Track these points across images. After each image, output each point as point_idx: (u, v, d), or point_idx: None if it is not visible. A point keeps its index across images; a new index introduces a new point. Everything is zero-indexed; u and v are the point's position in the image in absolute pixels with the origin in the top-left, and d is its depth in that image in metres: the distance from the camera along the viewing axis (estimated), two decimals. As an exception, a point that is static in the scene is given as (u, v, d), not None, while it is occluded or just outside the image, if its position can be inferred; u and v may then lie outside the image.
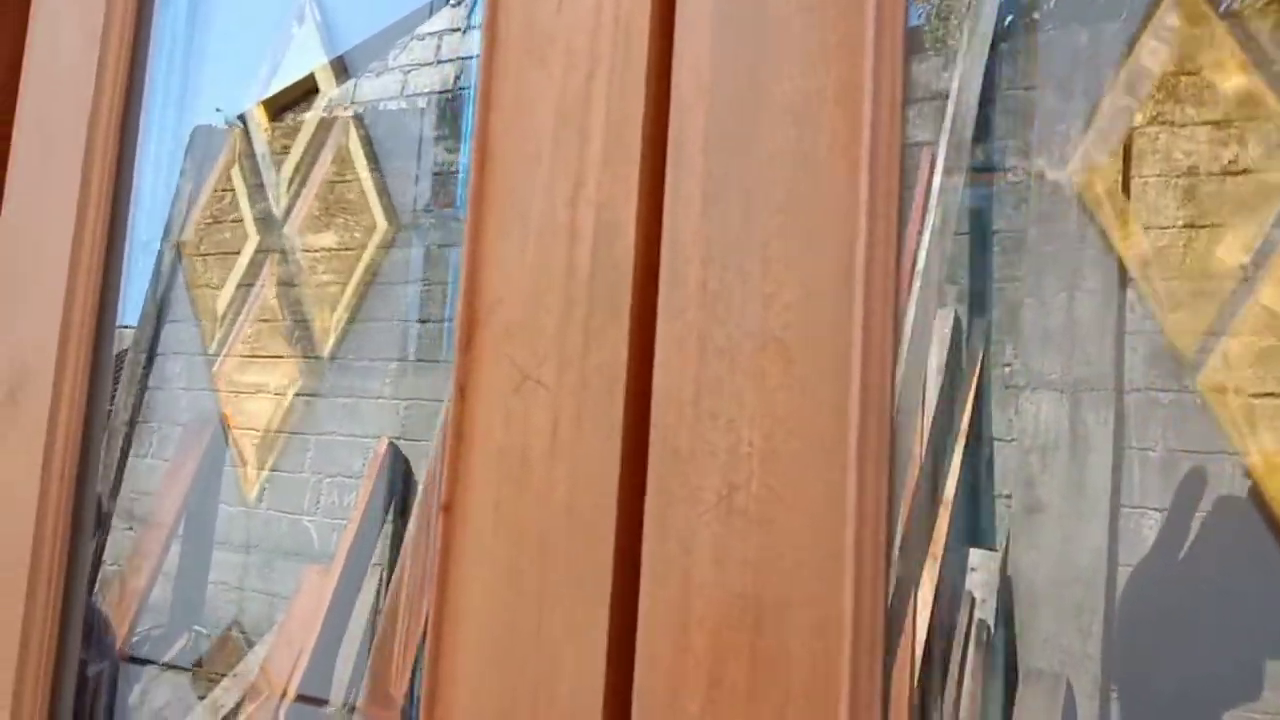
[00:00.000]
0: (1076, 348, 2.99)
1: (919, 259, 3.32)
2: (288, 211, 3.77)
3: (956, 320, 3.26)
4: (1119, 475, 3.06)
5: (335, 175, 3.57)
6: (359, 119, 3.74)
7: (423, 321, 3.34)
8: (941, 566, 3.17)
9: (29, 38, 0.87)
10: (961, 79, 3.37)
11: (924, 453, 3.24)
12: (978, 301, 3.21)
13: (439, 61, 4.02)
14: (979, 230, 3.23)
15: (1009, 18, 3.19)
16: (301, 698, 2.43)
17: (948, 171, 3.29)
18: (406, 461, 3.23)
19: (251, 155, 4.00)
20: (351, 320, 3.29)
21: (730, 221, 0.61)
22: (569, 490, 0.63)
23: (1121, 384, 3.07)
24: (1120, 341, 3.07)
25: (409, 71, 4.03)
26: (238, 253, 3.83)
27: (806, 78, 0.60)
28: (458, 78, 4.02)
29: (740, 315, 0.60)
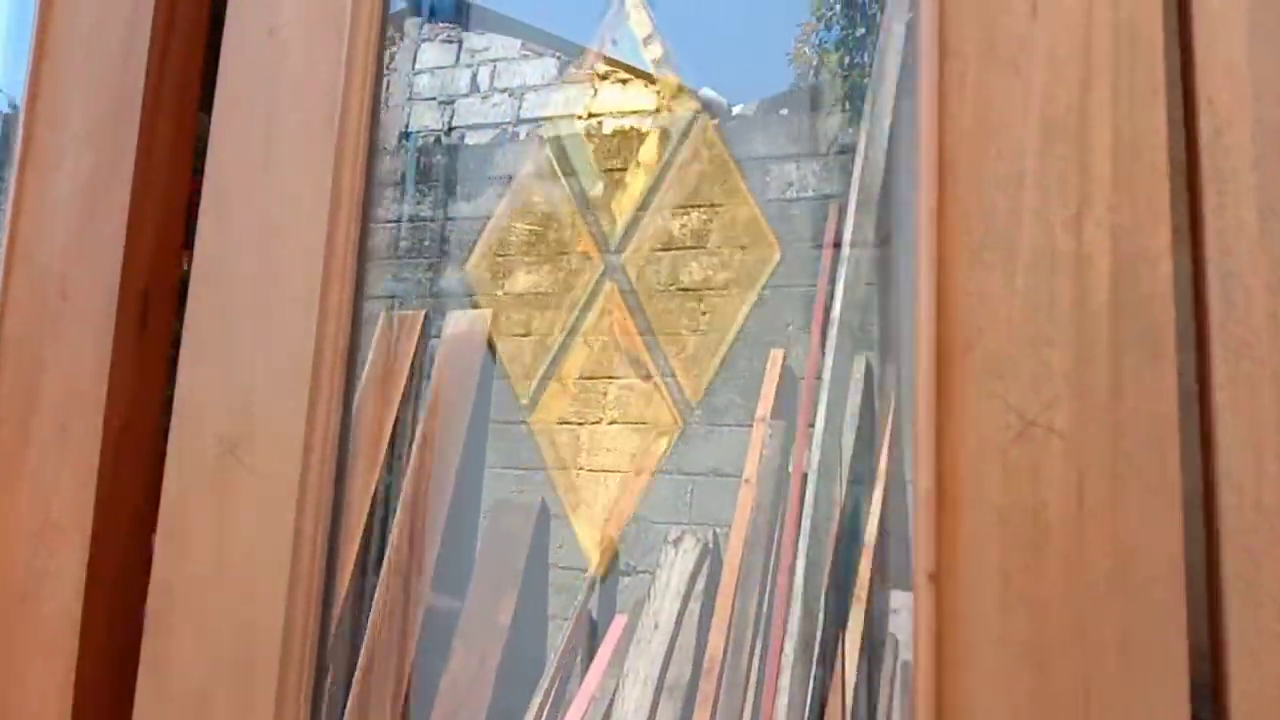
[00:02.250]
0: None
1: (833, 308, 3.40)
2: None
3: (868, 366, 3.37)
4: None
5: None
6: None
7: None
8: (866, 609, 3.22)
9: (229, 24, 0.63)
10: (868, 136, 3.52)
11: (844, 496, 3.29)
12: (888, 348, 3.34)
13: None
14: (885, 279, 3.37)
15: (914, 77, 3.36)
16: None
17: (858, 224, 3.40)
18: None
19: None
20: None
21: (1295, 243, 0.54)
22: (1112, 561, 0.52)
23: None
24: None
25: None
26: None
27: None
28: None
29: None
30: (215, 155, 0.61)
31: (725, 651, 3.01)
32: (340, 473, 0.55)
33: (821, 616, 2.96)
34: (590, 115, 3.81)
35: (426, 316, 3.51)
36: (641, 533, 3.37)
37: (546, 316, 3.51)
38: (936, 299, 0.51)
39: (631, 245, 3.50)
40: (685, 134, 3.62)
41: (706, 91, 3.77)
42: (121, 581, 0.60)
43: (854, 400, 3.24)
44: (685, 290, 3.45)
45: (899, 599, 3.28)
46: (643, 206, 3.55)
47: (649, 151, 3.60)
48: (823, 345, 3.28)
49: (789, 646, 2.93)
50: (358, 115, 0.58)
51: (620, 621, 3.27)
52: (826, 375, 3.17)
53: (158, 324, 0.63)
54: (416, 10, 4.06)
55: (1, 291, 0.63)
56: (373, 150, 0.58)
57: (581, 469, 3.44)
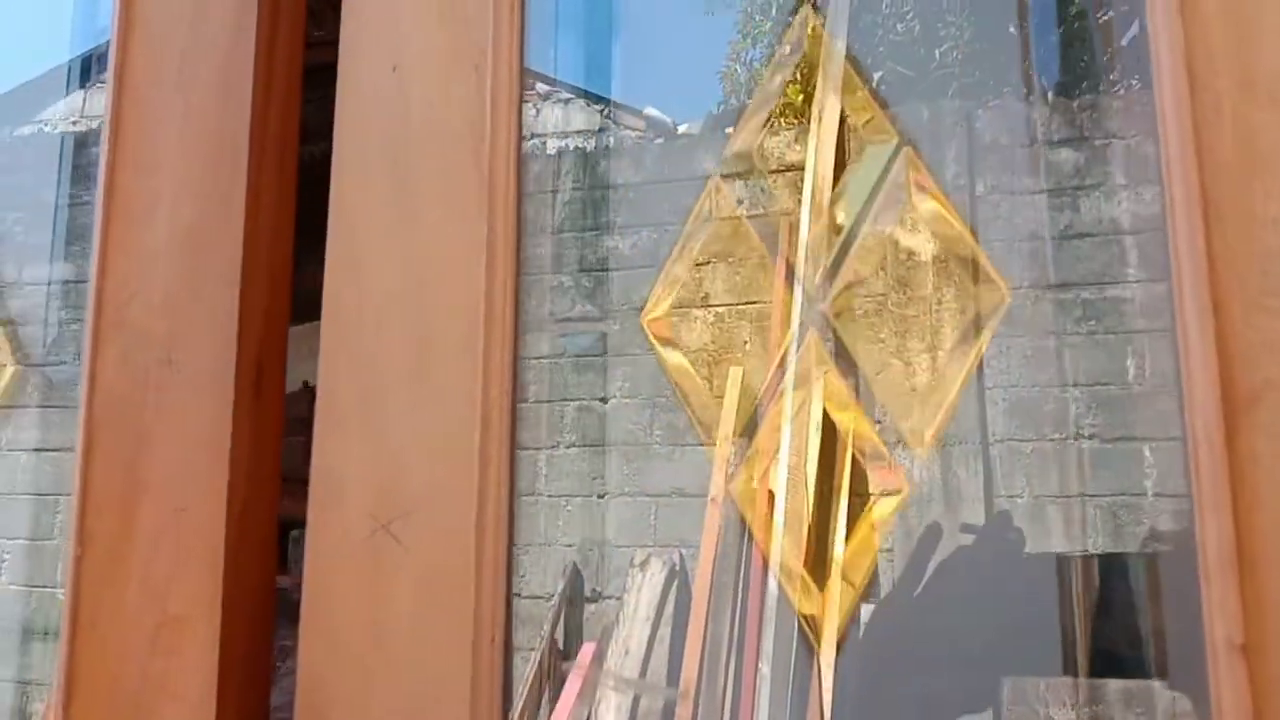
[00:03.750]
0: (943, 404, 3.23)
1: (793, 321, 3.42)
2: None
3: (826, 383, 3.39)
4: None
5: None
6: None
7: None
8: (839, 626, 3.23)
9: (343, 61, 0.59)
10: (818, 151, 3.55)
11: (811, 513, 3.31)
12: (845, 363, 3.37)
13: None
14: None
15: (859, 92, 3.43)
16: None
17: (813, 239, 3.43)
18: None
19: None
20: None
21: None
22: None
23: (987, 437, 3.35)
24: (982, 396, 3.35)
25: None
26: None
27: None
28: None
29: None
30: (340, 204, 0.55)
31: (700, 675, 2.97)
32: (510, 552, 0.50)
33: (795, 635, 2.95)
34: (532, 136, 3.76)
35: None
36: (606, 557, 3.31)
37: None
38: (1216, 349, 0.47)
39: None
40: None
41: (651, 110, 3.76)
42: (251, 681, 0.54)
43: (816, 417, 3.25)
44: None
45: (867, 612, 3.31)
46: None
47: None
48: (783, 362, 3.29)
49: (764, 667, 2.91)
50: (505, 153, 0.53)
51: (589, 649, 3.20)
52: (788, 393, 3.18)
53: (271, 390, 0.57)
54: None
55: (90, 357, 0.56)
56: (521, 192, 0.53)
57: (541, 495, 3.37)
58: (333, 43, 0.59)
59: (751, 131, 3.55)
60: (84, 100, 3.57)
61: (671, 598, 3.20)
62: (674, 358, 3.24)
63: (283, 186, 0.59)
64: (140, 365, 0.55)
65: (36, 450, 3.16)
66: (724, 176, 3.60)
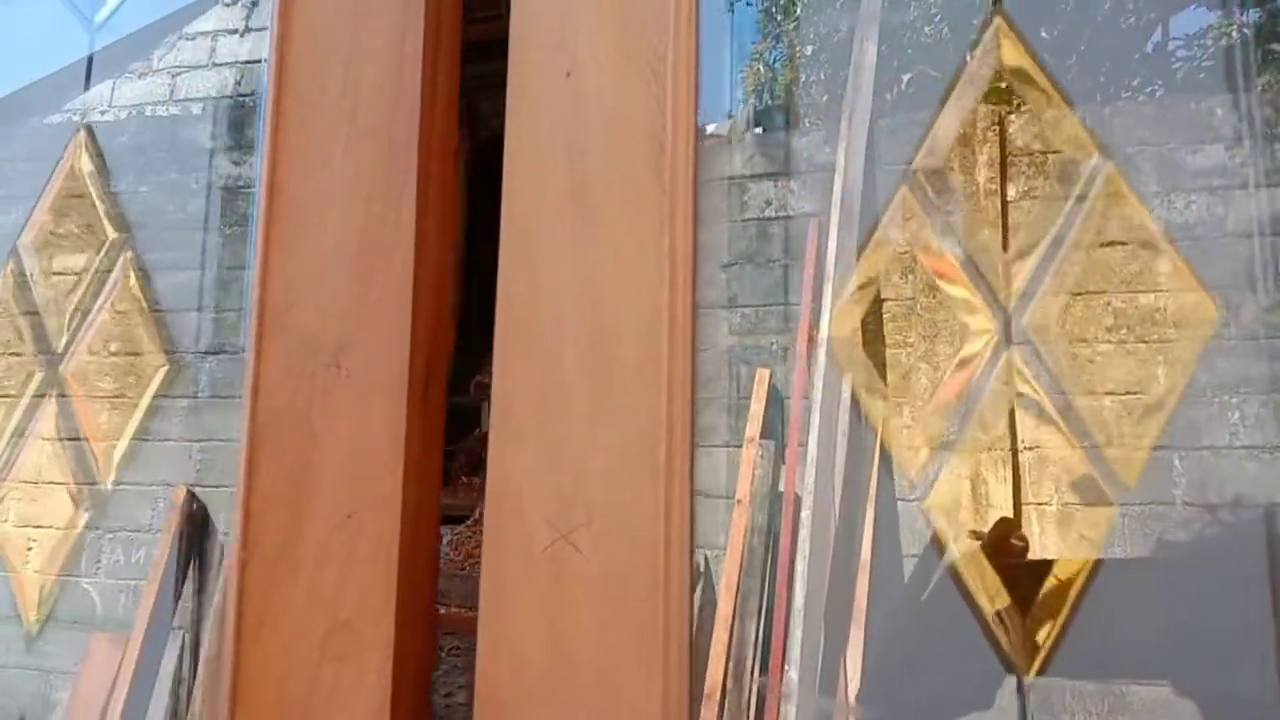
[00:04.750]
0: (970, 410, 3.23)
1: (821, 326, 3.42)
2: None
3: (853, 386, 3.39)
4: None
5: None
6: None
7: (214, 354, 2.87)
8: (864, 630, 3.24)
9: (513, 67, 0.58)
10: (847, 153, 3.56)
11: (838, 516, 3.32)
12: (875, 366, 3.36)
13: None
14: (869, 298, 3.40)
15: (887, 96, 3.43)
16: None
17: (841, 240, 3.43)
18: (206, 512, 2.73)
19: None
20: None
21: None
22: None
23: (1016, 443, 3.36)
24: (1011, 402, 3.36)
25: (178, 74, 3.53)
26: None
27: None
28: (238, 83, 3.58)
29: None
30: (513, 208, 0.55)
31: (725, 678, 2.97)
32: (693, 562, 0.49)
33: (822, 639, 2.94)
34: None
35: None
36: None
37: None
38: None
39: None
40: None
41: (678, 111, 3.75)
42: (421, 689, 0.53)
43: (843, 419, 3.25)
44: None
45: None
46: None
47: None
48: (810, 364, 3.29)
49: (792, 672, 2.90)
50: (685, 158, 0.53)
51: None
52: (816, 395, 3.18)
53: (437, 392, 0.56)
54: None
55: (253, 362, 0.55)
56: (697, 195, 0.53)
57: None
58: (483, 20, 0.58)
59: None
60: (112, 89, 3.56)
61: (698, 600, 3.19)
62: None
63: (446, 183, 0.58)
64: (305, 369, 0.55)
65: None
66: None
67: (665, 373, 0.51)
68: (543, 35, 0.56)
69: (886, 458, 3.27)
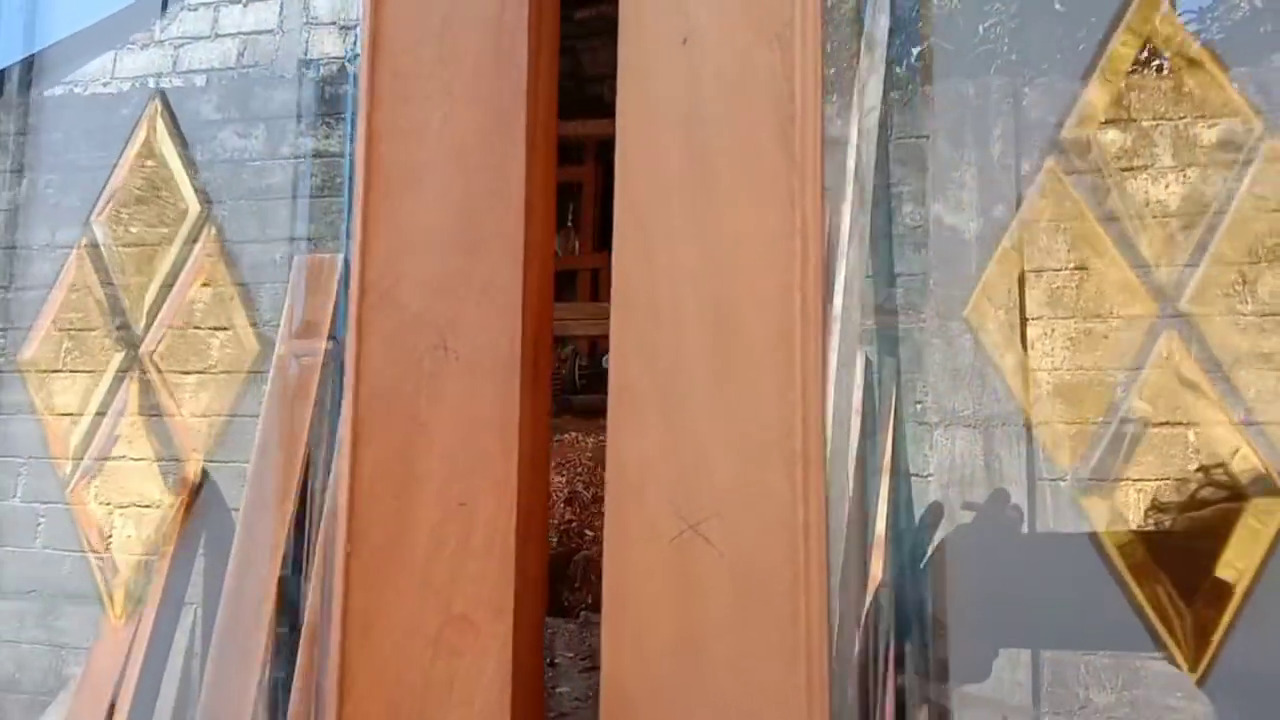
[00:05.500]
0: (985, 385, 3.21)
1: (835, 303, 3.40)
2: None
3: (867, 361, 3.38)
4: (1033, 505, 3.34)
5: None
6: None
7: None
8: (873, 602, 3.24)
9: (624, 31, 0.55)
10: (859, 128, 3.52)
11: (853, 490, 3.31)
12: (886, 343, 3.35)
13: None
14: (883, 274, 3.38)
15: (898, 68, 3.40)
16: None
17: (854, 217, 3.40)
18: (217, 488, 2.69)
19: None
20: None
21: None
22: None
23: (1030, 418, 3.35)
24: (1027, 378, 3.35)
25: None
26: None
27: None
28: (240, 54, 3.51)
29: None
30: (628, 185, 0.52)
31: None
32: (827, 556, 0.47)
33: (837, 615, 2.95)
34: None
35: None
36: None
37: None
38: None
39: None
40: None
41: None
42: (536, 686, 0.51)
43: (856, 396, 3.24)
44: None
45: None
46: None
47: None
48: (824, 341, 3.27)
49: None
50: (813, 131, 0.50)
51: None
52: (831, 371, 3.17)
53: (544, 373, 0.54)
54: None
55: (355, 343, 0.52)
56: (824, 174, 0.50)
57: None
58: None
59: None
60: (114, 61, 3.50)
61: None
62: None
63: (549, 151, 0.55)
64: (411, 351, 0.52)
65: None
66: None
67: (798, 353, 0.48)
68: (655, 0, 0.53)
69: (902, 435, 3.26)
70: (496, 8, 0.54)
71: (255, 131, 3.25)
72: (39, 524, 2.69)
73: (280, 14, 3.50)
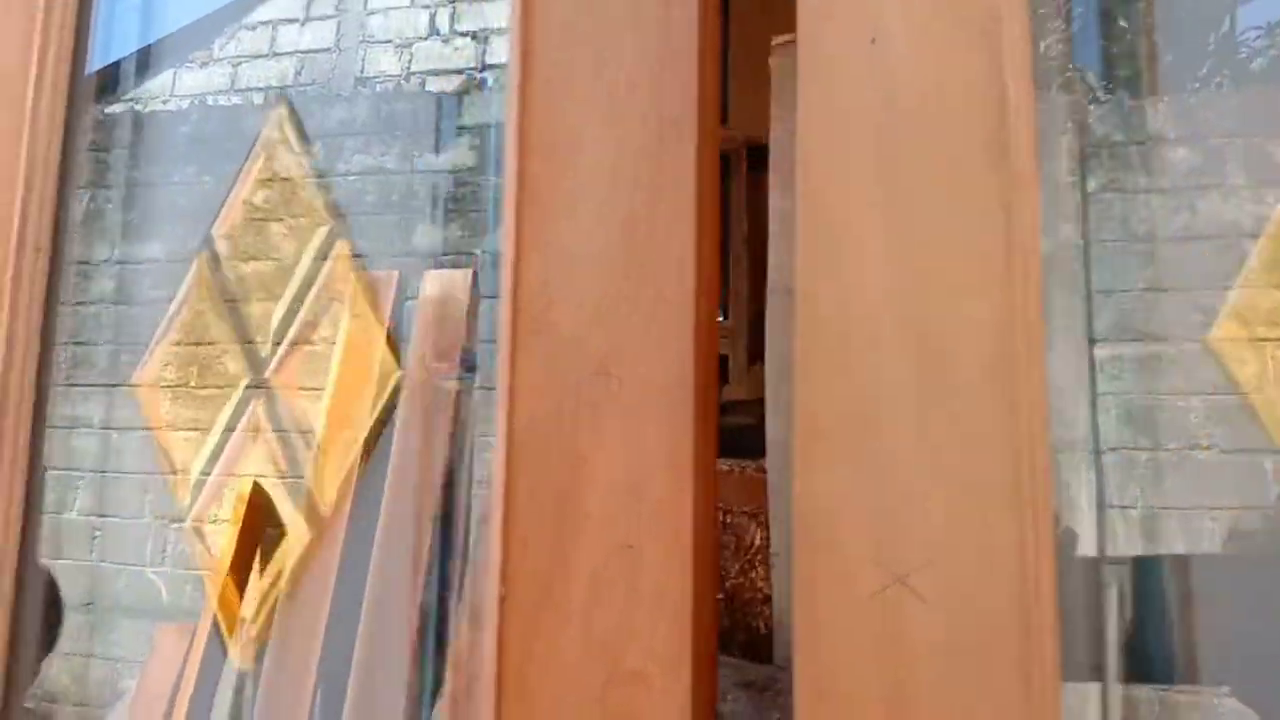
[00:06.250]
0: (1051, 410, 3.10)
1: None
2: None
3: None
4: (1103, 532, 3.22)
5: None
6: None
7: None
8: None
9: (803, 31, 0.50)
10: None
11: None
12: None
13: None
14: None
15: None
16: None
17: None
18: (272, 504, 2.65)
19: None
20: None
21: None
22: None
23: (1099, 444, 3.25)
24: (1094, 403, 3.26)
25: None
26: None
27: None
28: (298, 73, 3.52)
29: None
30: (813, 198, 0.47)
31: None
32: (1058, 616, 0.42)
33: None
34: None
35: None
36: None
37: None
38: None
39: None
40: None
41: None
42: (711, 747, 0.46)
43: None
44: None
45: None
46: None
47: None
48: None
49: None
50: (1028, 135, 0.45)
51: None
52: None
53: (713, 405, 0.49)
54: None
55: (508, 370, 0.48)
56: (1037, 180, 0.45)
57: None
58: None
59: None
60: (174, 78, 3.52)
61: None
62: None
63: (714, 162, 0.51)
64: (569, 379, 0.48)
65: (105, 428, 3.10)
66: None
67: (1020, 381, 0.43)
68: (839, -6, 0.48)
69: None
70: (662, 7, 0.50)
71: (313, 149, 3.25)
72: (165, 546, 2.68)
73: (337, 33, 3.51)
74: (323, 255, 2.78)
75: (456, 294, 2.69)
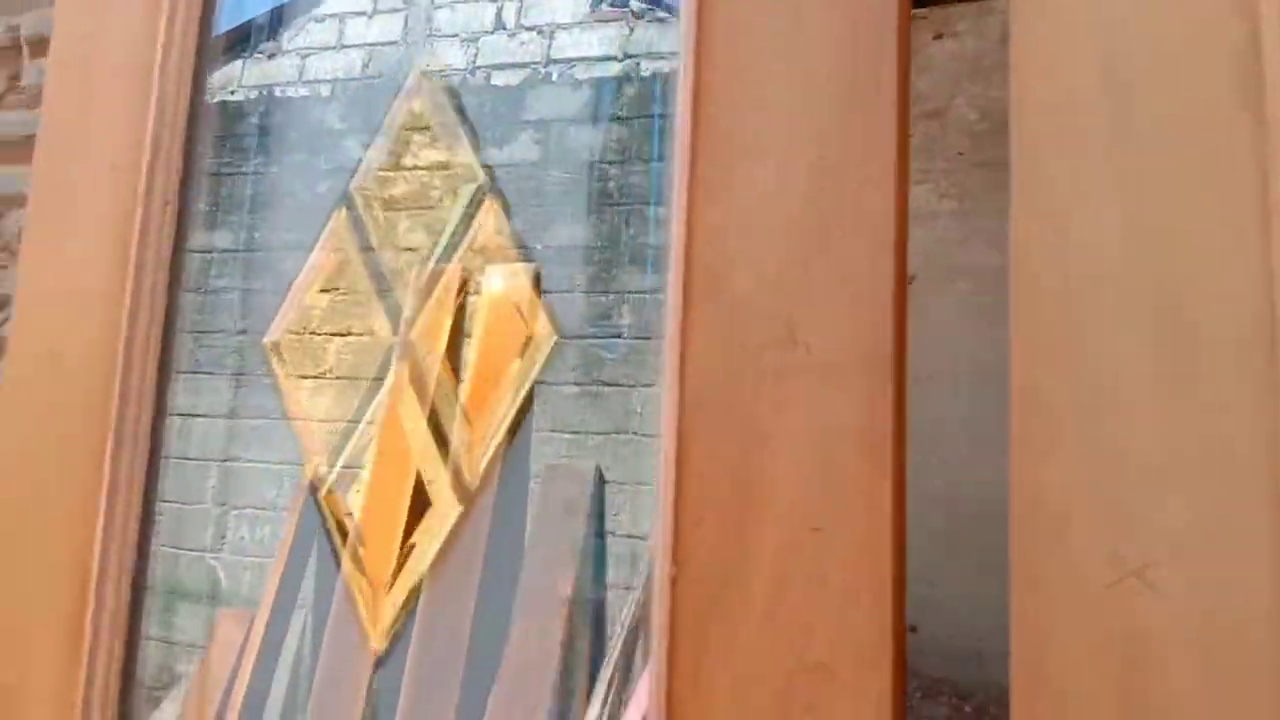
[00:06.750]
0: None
1: None
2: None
3: None
4: None
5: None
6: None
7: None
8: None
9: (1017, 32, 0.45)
10: None
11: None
12: None
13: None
14: None
15: None
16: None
17: None
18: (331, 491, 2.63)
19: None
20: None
21: None
22: None
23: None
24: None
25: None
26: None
27: None
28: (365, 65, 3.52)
29: None
30: (1027, 151, 0.42)
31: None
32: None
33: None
34: (626, 56, 3.56)
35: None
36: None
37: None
38: None
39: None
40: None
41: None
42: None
43: None
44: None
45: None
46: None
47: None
48: None
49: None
50: None
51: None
52: None
53: (904, 376, 0.45)
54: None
55: (679, 336, 0.44)
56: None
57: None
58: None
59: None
60: (241, 69, 3.55)
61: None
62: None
63: (906, 111, 0.46)
64: (749, 347, 0.44)
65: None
66: None
67: (1278, 360, 0.38)
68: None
69: None
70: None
71: (376, 140, 3.25)
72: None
73: (405, 26, 3.52)
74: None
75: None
